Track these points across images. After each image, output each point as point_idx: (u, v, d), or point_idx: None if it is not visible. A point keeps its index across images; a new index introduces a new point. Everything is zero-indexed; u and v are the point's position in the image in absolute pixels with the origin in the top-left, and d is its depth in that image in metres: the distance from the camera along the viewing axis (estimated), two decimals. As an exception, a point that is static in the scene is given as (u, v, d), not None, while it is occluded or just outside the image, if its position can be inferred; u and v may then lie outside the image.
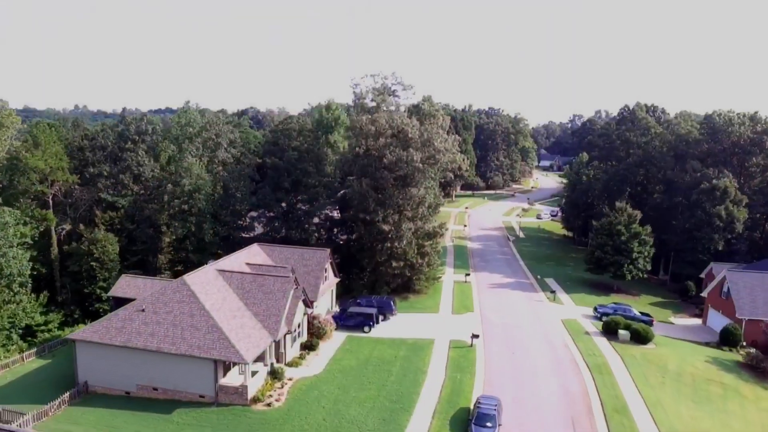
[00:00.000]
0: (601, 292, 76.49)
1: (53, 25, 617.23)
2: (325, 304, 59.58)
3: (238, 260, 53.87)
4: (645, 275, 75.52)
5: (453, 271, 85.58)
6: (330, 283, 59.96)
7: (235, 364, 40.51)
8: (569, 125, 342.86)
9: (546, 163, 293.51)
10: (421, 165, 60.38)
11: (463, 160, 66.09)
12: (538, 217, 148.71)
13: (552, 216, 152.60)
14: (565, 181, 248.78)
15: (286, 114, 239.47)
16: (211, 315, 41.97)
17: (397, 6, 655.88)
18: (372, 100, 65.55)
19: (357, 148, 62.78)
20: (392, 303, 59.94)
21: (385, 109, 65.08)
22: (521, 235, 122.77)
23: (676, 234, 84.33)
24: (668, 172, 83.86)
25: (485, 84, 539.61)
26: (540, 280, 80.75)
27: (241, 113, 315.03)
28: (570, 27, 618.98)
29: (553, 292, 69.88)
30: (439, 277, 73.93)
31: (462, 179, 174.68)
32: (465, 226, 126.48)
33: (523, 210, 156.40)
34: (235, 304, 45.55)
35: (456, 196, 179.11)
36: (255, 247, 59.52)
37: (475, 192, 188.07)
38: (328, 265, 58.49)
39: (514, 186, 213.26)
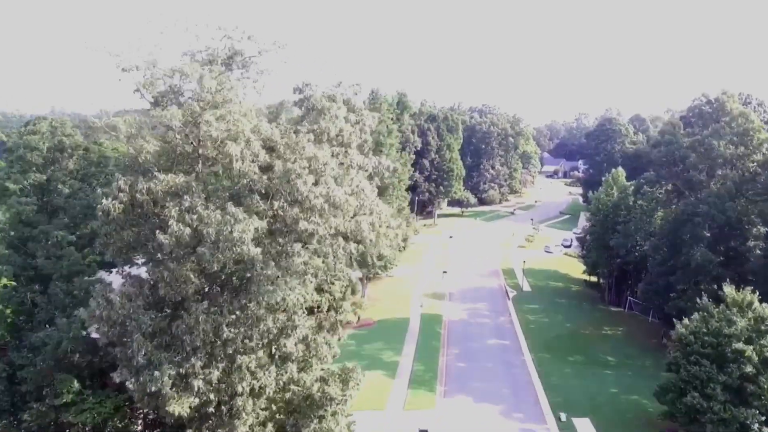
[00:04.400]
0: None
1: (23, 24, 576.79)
2: None
3: None
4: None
5: (407, 392, 47.34)
6: None
7: None
8: (574, 124, 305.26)
9: (550, 168, 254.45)
10: (258, 253, 21.85)
11: (400, 225, 28.05)
12: (547, 249, 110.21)
13: (565, 246, 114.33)
14: (573, 191, 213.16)
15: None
16: None
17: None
18: (183, 78, 27.05)
19: (113, 199, 24.33)
20: None
21: (222, 100, 26.39)
22: (526, 286, 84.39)
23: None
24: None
25: (476, 79, 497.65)
26: (566, 424, 42.52)
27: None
28: (572, 13, 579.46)
29: None
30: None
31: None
32: (444, 272, 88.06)
33: (527, 239, 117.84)
34: None
35: (439, 216, 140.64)
36: None
37: (465, 210, 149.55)
38: None
39: (514, 200, 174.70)
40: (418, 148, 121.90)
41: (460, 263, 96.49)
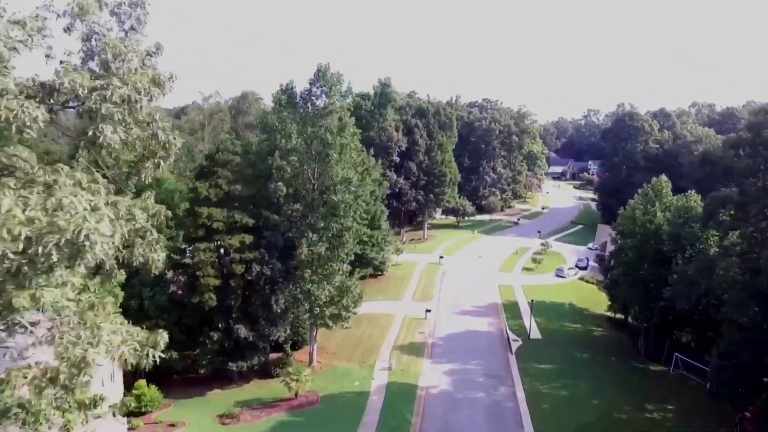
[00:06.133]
0: None
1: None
2: None
3: None
4: None
5: None
6: None
7: None
8: (583, 122, 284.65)
9: (557, 169, 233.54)
10: None
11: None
12: (560, 273, 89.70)
13: (580, 268, 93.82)
14: (584, 195, 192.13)
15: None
16: None
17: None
18: None
19: None
20: None
21: None
22: (534, 331, 64.05)
23: None
24: None
25: (475, 74, 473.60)
26: None
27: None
28: (573, 7, 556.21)
29: None
30: None
31: (436, 207, 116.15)
32: (428, 311, 67.64)
33: (534, 260, 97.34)
34: None
35: (431, 228, 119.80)
36: None
37: (461, 220, 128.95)
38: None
39: (518, 206, 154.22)
40: (404, 149, 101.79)
41: (449, 295, 76.11)
